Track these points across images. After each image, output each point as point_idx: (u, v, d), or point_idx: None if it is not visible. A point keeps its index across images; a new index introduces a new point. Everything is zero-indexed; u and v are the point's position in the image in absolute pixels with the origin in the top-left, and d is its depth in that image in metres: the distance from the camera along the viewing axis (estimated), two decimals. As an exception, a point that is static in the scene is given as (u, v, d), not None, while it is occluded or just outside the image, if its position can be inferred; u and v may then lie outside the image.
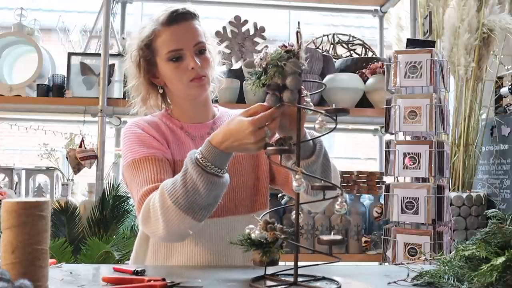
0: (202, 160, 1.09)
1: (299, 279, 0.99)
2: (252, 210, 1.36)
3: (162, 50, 1.27)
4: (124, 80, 2.49)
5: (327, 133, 0.96)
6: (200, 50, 1.29)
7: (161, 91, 1.37)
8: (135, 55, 1.31)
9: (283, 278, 1.00)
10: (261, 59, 1.00)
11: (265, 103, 1.06)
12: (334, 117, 0.97)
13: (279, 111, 1.04)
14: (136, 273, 1.06)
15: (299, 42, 0.98)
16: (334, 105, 1.06)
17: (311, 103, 1.01)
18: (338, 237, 0.91)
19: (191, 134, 1.35)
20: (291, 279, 0.96)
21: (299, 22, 1.00)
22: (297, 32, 0.98)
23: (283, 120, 1.11)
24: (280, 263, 1.05)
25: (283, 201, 2.60)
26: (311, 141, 1.16)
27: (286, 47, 0.99)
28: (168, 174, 1.23)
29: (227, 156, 1.11)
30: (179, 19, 1.27)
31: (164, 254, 1.31)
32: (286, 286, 0.95)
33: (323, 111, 0.97)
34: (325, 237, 0.91)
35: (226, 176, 1.13)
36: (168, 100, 1.39)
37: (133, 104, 1.38)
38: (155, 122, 1.35)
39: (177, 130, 1.35)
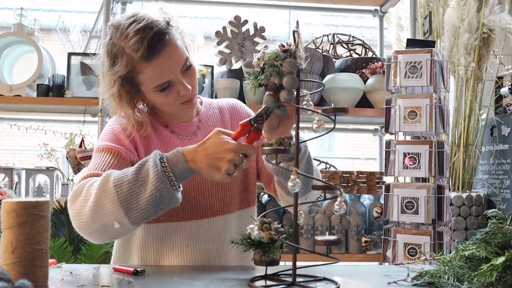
0: (164, 163, 1.07)
1: (300, 279, 0.99)
2: (240, 207, 1.35)
3: (148, 84, 1.19)
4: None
5: (325, 133, 0.96)
6: (185, 66, 1.21)
7: (148, 106, 1.32)
8: (116, 92, 1.20)
9: (283, 278, 1.01)
10: (258, 59, 1.00)
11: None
12: (332, 117, 0.96)
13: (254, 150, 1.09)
14: (136, 273, 1.06)
15: (296, 41, 0.97)
16: (332, 104, 1.06)
17: (311, 102, 1.01)
18: (333, 237, 0.91)
19: (177, 133, 1.32)
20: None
21: (297, 21, 1.00)
22: (294, 32, 0.98)
23: (273, 120, 1.11)
24: (281, 263, 1.05)
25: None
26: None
27: (284, 47, 0.99)
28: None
29: (187, 171, 1.08)
30: (158, 48, 1.14)
31: (154, 257, 1.28)
32: (284, 286, 0.95)
33: (320, 111, 0.97)
34: (320, 238, 0.91)
35: (177, 194, 1.08)
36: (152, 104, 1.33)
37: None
38: (141, 120, 1.28)
39: (161, 129, 1.31)
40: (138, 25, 1.15)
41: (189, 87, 1.21)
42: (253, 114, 1.40)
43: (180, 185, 1.11)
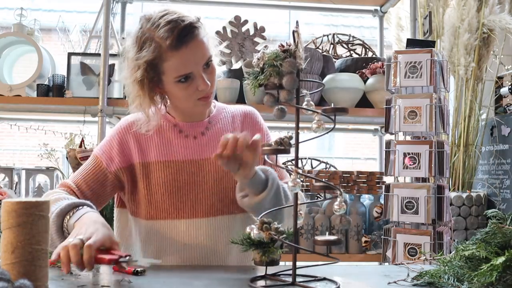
0: (67, 216, 1.14)
1: (300, 279, 0.99)
2: (244, 210, 1.35)
3: (170, 73, 1.22)
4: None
5: (325, 133, 0.96)
6: (207, 63, 1.26)
7: (162, 102, 1.35)
8: (139, 77, 1.24)
9: (283, 278, 1.01)
10: (258, 59, 1.00)
11: None
12: (332, 117, 0.96)
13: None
14: (136, 273, 1.06)
15: (296, 41, 0.97)
16: (332, 104, 1.06)
17: (311, 102, 1.01)
18: (333, 237, 0.91)
19: (184, 132, 1.34)
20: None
21: (297, 21, 1.00)
22: (294, 32, 0.98)
23: (231, 165, 1.13)
24: (281, 263, 1.05)
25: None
26: (262, 176, 1.20)
27: (284, 47, 0.99)
28: (93, 183, 1.30)
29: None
30: (186, 39, 1.20)
31: (154, 254, 1.31)
32: (284, 286, 0.95)
33: (320, 111, 0.97)
34: (320, 238, 0.91)
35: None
36: (168, 101, 1.37)
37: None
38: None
39: (167, 131, 1.34)
40: (170, 16, 1.21)
41: (208, 83, 1.24)
42: (264, 125, 1.44)
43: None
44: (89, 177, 1.31)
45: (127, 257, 0.98)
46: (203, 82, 1.23)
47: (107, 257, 0.95)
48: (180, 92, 1.25)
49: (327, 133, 0.96)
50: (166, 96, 1.33)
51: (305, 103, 0.99)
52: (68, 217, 1.14)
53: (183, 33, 1.19)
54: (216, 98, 2.45)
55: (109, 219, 2.23)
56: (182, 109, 1.35)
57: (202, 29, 1.24)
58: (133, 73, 1.24)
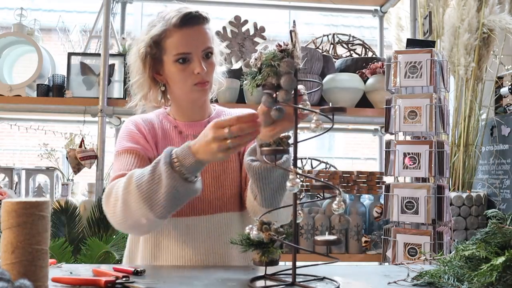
0: (174, 160, 1.10)
1: (300, 279, 0.99)
2: (242, 208, 1.37)
3: (171, 50, 1.28)
4: (124, 79, 2.49)
5: (323, 133, 0.96)
6: (207, 54, 1.31)
7: (162, 88, 1.39)
8: (143, 51, 1.31)
9: (283, 278, 1.00)
10: (256, 59, 1.00)
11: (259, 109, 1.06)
12: (330, 116, 0.96)
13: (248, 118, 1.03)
14: (136, 273, 1.06)
15: (294, 41, 0.97)
16: (331, 104, 1.06)
17: (307, 102, 1.01)
18: (333, 237, 0.90)
19: (184, 133, 1.38)
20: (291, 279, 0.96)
21: (294, 21, 0.99)
22: (291, 31, 0.98)
23: (268, 118, 1.09)
24: (281, 263, 1.05)
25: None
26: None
27: (281, 46, 0.98)
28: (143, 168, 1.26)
29: (196, 163, 1.10)
30: (191, 22, 1.28)
31: (152, 253, 1.32)
32: (284, 286, 0.95)
33: (318, 111, 0.96)
34: (320, 238, 0.91)
35: (192, 186, 1.12)
36: (168, 97, 1.40)
37: (132, 98, 1.41)
38: (151, 120, 1.39)
39: (169, 130, 1.38)
40: (182, 7, 1.31)
41: (205, 68, 1.29)
42: None
43: (197, 175, 1.14)
44: (138, 164, 1.27)
45: (124, 279, 0.99)
46: (200, 65, 1.28)
47: (103, 279, 0.97)
48: (178, 74, 1.29)
49: (324, 132, 0.96)
50: (167, 89, 1.37)
51: (301, 102, 0.99)
52: (174, 154, 1.10)
53: (189, 16, 1.27)
54: (216, 99, 2.45)
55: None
56: (181, 103, 1.38)
57: (208, 22, 1.32)
58: (138, 49, 1.32)
